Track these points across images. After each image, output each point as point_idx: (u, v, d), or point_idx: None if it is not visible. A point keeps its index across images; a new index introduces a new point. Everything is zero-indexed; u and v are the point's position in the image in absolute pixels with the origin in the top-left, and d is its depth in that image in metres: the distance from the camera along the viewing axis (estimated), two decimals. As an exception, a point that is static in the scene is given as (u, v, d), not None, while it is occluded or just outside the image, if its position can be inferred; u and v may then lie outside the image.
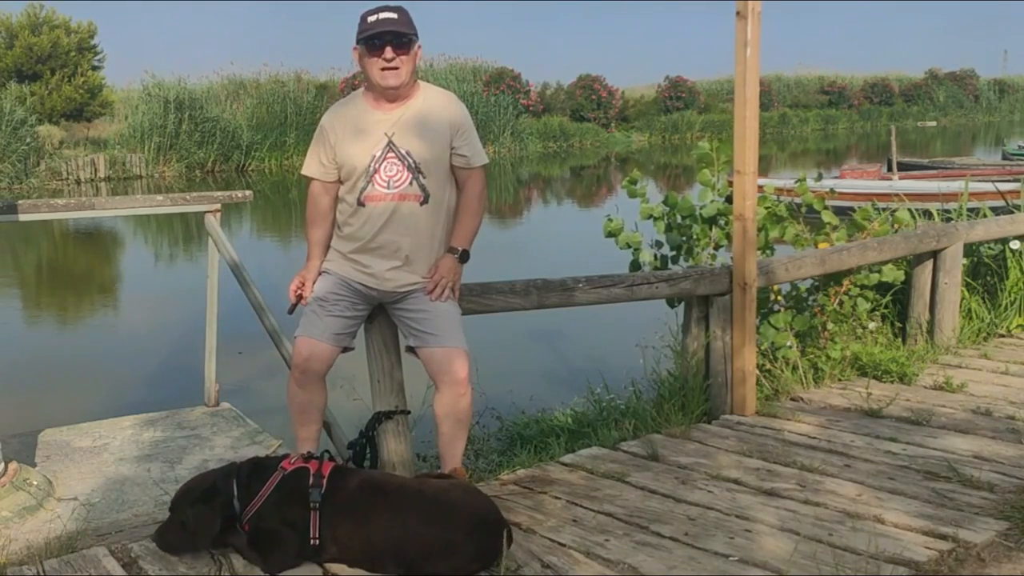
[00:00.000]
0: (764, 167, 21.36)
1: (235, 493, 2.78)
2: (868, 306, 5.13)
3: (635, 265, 4.98)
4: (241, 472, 2.84)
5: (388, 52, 3.07)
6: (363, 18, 3.12)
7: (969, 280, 5.83)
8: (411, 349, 3.26)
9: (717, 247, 4.86)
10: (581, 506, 3.18)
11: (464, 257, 3.25)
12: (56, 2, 46.14)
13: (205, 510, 2.76)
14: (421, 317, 3.17)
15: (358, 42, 3.13)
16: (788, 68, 47.34)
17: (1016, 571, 2.63)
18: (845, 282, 4.99)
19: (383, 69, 3.09)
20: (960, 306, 5.53)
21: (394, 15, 3.10)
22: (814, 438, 3.87)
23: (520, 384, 5.71)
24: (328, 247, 3.32)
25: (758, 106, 4.04)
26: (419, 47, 3.18)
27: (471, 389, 3.19)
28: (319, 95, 28.11)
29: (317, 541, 2.68)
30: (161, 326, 8.87)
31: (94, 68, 27.55)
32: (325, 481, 2.74)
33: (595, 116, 35.97)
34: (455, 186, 3.27)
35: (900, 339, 5.42)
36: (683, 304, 4.46)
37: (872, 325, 5.23)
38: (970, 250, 5.86)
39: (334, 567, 2.72)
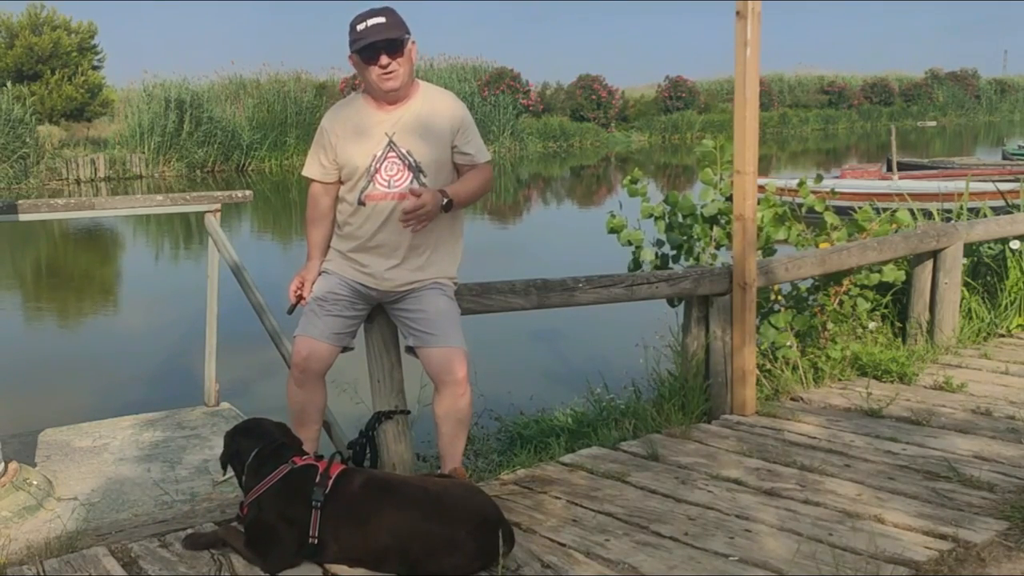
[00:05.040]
0: (764, 167, 21.36)
1: (248, 459, 2.82)
2: (868, 306, 5.13)
3: (636, 263, 4.98)
4: (265, 447, 2.85)
5: (383, 59, 3.06)
6: (352, 27, 3.08)
7: (969, 280, 5.83)
8: (410, 349, 3.26)
9: (718, 246, 4.86)
10: (581, 506, 3.18)
11: (448, 206, 3.11)
12: (57, 2, 46.18)
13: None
14: (420, 317, 3.17)
15: (352, 52, 3.11)
16: (788, 68, 47.29)
17: (1016, 571, 2.63)
18: (845, 282, 4.99)
19: (381, 75, 3.08)
20: (960, 306, 5.53)
21: (382, 19, 3.06)
22: (814, 438, 3.87)
23: (520, 384, 5.72)
24: (328, 247, 3.33)
25: (758, 106, 4.04)
26: (413, 43, 3.15)
27: (470, 389, 3.19)
28: (319, 95, 28.09)
29: (316, 540, 2.68)
30: (161, 326, 8.88)
31: (94, 68, 27.55)
32: (331, 482, 2.74)
33: (595, 116, 35.94)
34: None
35: (900, 339, 5.42)
36: (683, 304, 4.46)
37: (872, 325, 5.23)
38: (970, 250, 5.86)
39: (334, 567, 2.72)
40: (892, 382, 4.71)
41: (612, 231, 5.07)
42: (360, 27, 3.06)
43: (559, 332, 7.49)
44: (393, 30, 3.08)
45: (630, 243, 5.02)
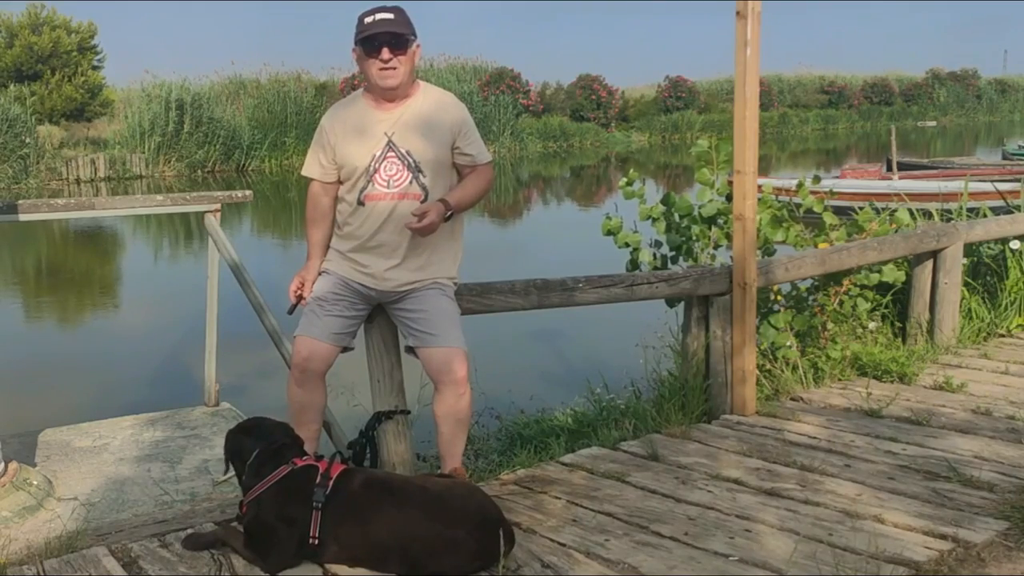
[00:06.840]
0: (764, 167, 21.37)
1: (249, 459, 2.82)
2: (868, 306, 5.13)
3: (633, 265, 4.97)
4: (267, 448, 2.85)
5: (385, 53, 3.08)
6: (360, 19, 3.12)
7: (969, 280, 5.83)
8: (410, 349, 3.26)
9: (716, 247, 4.86)
10: (581, 506, 3.18)
11: (450, 217, 3.15)
12: (57, 2, 46.14)
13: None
14: (420, 317, 3.17)
15: (356, 43, 3.14)
16: (788, 68, 47.29)
17: (1016, 571, 2.63)
18: (845, 282, 4.99)
19: (381, 70, 3.09)
20: (960, 306, 5.53)
21: (390, 15, 3.10)
22: (814, 438, 3.87)
23: (520, 384, 5.72)
24: (328, 247, 3.33)
25: (758, 106, 4.04)
26: (418, 46, 3.18)
27: (470, 389, 3.19)
28: (319, 95, 28.10)
29: (316, 540, 2.68)
30: (161, 326, 8.87)
31: (94, 68, 27.57)
32: (331, 482, 2.74)
33: (595, 116, 35.94)
34: (456, 185, 3.27)
35: (900, 339, 5.41)
36: (683, 304, 4.46)
37: (872, 325, 5.23)
38: (970, 250, 5.86)
39: (335, 567, 2.72)
40: (892, 382, 4.71)
41: (609, 233, 5.06)
42: (367, 20, 3.10)
43: (559, 332, 7.50)
44: (399, 27, 3.10)
45: (627, 245, 5.01)
